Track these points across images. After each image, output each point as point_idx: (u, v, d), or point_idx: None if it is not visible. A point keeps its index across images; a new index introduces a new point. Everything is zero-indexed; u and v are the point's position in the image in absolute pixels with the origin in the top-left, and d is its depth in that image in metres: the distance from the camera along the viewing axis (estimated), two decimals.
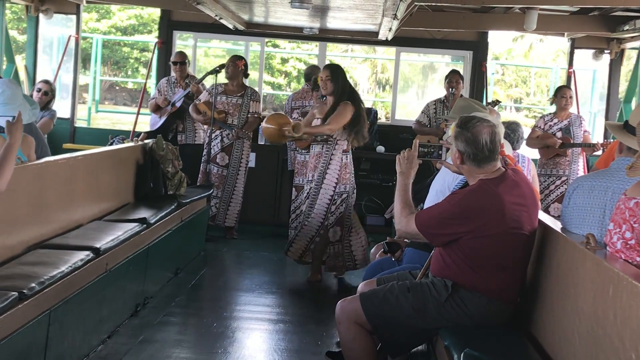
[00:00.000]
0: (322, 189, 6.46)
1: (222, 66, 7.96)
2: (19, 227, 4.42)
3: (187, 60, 8.49)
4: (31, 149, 4.74)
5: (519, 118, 21.16)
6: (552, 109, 8.24)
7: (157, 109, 8.41)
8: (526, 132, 6.48)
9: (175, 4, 8.57)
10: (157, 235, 5.86)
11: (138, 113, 9.74)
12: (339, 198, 6.49)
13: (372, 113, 9.18)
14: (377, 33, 8.58)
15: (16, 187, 4.16)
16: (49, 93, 7.72)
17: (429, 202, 4.46)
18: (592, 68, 11.86)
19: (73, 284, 4.18)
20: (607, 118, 9.57)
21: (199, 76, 8.62)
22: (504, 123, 4.99)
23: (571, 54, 9.72)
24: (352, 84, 6.94)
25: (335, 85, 6.37)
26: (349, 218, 6.59)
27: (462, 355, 3.16)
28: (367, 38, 9.18)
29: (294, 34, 9.33)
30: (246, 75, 8.05)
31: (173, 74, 8.56)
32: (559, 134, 7.95)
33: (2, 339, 3.39)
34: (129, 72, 24.83)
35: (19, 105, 4.47)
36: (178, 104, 8.24)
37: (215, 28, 9.24)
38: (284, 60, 23.92)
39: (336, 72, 6.44)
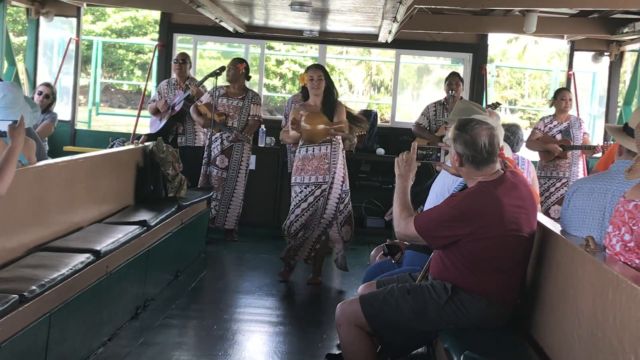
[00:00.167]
0: (332, 189, 6.54)
1: (222, 69, 7.96)
2: (19, 229, 4.42)
3: (188, 61, 8.50)
4: (32, 151, 4.72)
5: (514, 120, 21.16)
6: (548, 111, 8.25)
7: (157, 112, 8.41)
8: (525, 134, 6.48)
9: (176, 7, 8.58)
10: (158, 237, 5.87)
11: (138, 115, 9.75)
12: (346, 197, 6.62)
13: (371, 115, 9.18)
14: (377, 35, 8.57)
15: (17, 189, 4.16)
16: (50, 96, 7.73)
17: (429, 204, 4.47)
18: (591, 70, 11.87)
19: (73, 287, 4.18)
20: (606, 120, 9.57)
21: (198, 78, 8.63)
22: (503, 125, 5.00)
23: (571, 56, 9.71)
24: (347, 86, 7.08)
25: (326, 83, 6.56)
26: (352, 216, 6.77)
27: (462, 357, 3.17)
28: (367, 40, 9.18)
29: (294, 36, 9.34)
30: (248, 78, 8.08)
31: (173, 75, 8.56)
32: (558, 136, 7.96)
33: (2, 341, 3.39)
34: (124, 75, 24.80)
35: (20, 109, 4.47)
36: (178, 108, 8.23)
37: (215, 31, 9.26)
38: (279, 62, 23.88)
39: (326, 71, 6.69)
